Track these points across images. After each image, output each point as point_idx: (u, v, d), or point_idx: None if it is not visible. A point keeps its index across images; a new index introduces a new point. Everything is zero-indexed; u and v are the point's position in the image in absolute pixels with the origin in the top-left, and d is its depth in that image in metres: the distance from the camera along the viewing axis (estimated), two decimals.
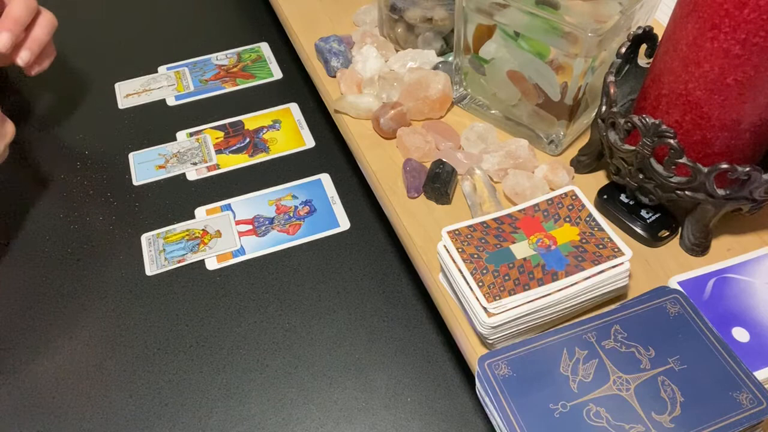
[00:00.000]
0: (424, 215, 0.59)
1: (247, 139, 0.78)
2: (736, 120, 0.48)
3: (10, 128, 0.64)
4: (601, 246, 0.50)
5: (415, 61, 0.70)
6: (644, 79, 0.54)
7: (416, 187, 0.60)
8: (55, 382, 0.57)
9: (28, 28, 0.67)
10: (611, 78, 0.54)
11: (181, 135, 0.78)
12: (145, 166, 0.75)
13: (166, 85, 0.85)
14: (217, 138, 0.78)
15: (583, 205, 0.52)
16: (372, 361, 0.58)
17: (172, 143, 0.77)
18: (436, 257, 0.53)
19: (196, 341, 0.60)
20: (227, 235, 0.68)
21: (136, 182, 0.73)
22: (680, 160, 0.49)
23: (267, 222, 0.69)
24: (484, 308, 0.46)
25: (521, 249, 0.50)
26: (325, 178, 0.73)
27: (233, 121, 0.80)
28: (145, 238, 0.68)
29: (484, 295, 0.47)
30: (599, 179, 0.62)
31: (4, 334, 0.61)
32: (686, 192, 0.51)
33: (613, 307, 0.49)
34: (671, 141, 0.49)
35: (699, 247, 0.55)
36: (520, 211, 0.53)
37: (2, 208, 0.71)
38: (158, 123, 0.80)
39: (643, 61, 0.58)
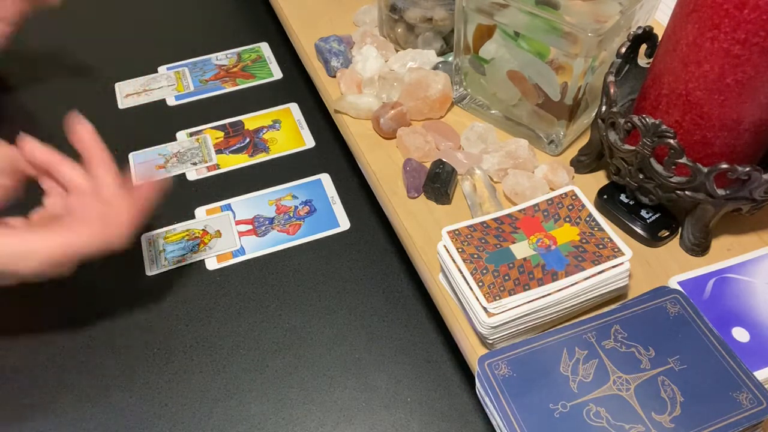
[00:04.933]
0: (424, 215, 0.59)
1: (247, 139, 0.78)
2: (736, 120, 0.48)
3: None
4: (601, 246, 0.50)
5: (415, 61, 0.70)
6: (644, 79, 0.54)
7: (416, 187, 0.60)
8: (56, 382, 0.57)
9: None
10: (611, 78, 0.54)
11: (181, 135, 0.78)
12: (145, 166, 0.75)
13: (166, 85, 0.85)
14: (217, 138, 0.78)
15: (583, 205, 0.52)
16: (372, 361, 0.58)
17: (172, 143, 0.77)
18: (436, 257, 0.53)
19: (196, 341, 0.60)
20: (227, 235, 0.68)
21: (136, 182, 0.73)
22: (680, 160, 0.49)
23: (267, 222, 0.69)
24: (484, 308, 0.46)
25: (521, 249, 0.50)
26: (325, 178, 0.73)
27: (233, 121, 0.80)
28: (145, 238, 0.68)
29: (484, 295, 0.47)
30: (599, 179, 0.62)
31: (4, 334, 0.61)
32: (686, 192, 0.51)
33: (613, 307, 0.49)
34: (671, 141, 0.49)
35: (699, 247, 0.55)
36: (520, 211, 0.53)
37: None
38: (158, 123, 0.80)
39: (643, 61, 0.58)
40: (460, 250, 0.49)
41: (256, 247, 0.67)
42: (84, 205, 0.52)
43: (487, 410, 0.46)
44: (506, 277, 0.48)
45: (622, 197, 0.58)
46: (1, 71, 0.86)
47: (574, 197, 0.53)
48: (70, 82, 0.86)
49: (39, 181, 0.56)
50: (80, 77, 0.86)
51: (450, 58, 0.70)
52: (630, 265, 0.49)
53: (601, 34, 0.52)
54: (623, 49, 0.55)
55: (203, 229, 0.68)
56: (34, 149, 0.54)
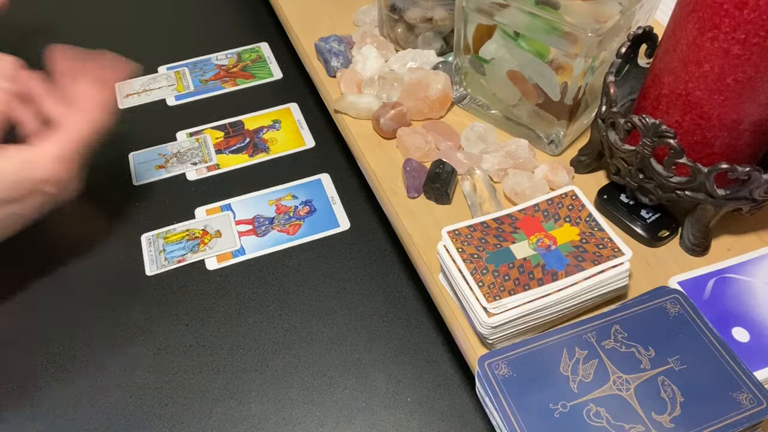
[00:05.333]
0: (424, 215, 0.59)
1: (247, 139, 0.78)
2: (736, 120, 0.48)
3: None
4: (601, 246, 0.50)
5: (415, 61, 0.70)
6: (644, 79, 0.54)
7: (416, 187, 0.60)
8: (56, 382, 0.57)
9: None
10: (611, 78, 0.54)
11: (181, 135, 0.78)
12: (145, 166, 0.75)
13: (166, 85, 0.85)
14: (217, 138, 0.78)
15: (583, 205, 0.52)
16: (372, 361, 0.58)
17: (172, 143, 0.77)
18: (436, 257, 0.53)
19: (196, 341, 0.60)
20: (227, 235, 0.68)
21: (136, 182, 0.73)
22: (680, 160, 0.49)
23: (267, 222, 0.69)
24: (484, 308, 0.46)
25: (521, 249, 0.50)
26: (325, 178, 0.73)
27: (233, 121, 0.80)
28: (145, 238, 0.68)
29: (484, 295, 0.47)
30: (599, 179, 0.62)
31: (4, 334, 0.61)
32: (686, 192, 0.51)
33: (613, 307, 0.49)
34: (671, 141, 0.49)
35: (699, 247, 0.55)
36: (520, 211, 0.53)
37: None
38: (158, 123, 0.80)
39: (643, 61, 0.58)
40: (460, 250, 0.49)
41: (256, 247, 0.67)
42: (66, 110, 0.58)
43: (487, 410, 0.46)
44: (506, 277, 0.48)
45: (622, 197, 0.58)
46: None
47: (574, 197, 0.53)
48: None
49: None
50: None
51: (450, 58, 0.70)
52: (630, 265, 0.49)
53: (601, 34, 0.52)
54: (623, 49, 0.55)
55: (203, 229, 0.68)
56: (30, 81, 0.59)
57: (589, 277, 0.48)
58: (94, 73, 0.61)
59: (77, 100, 0.59)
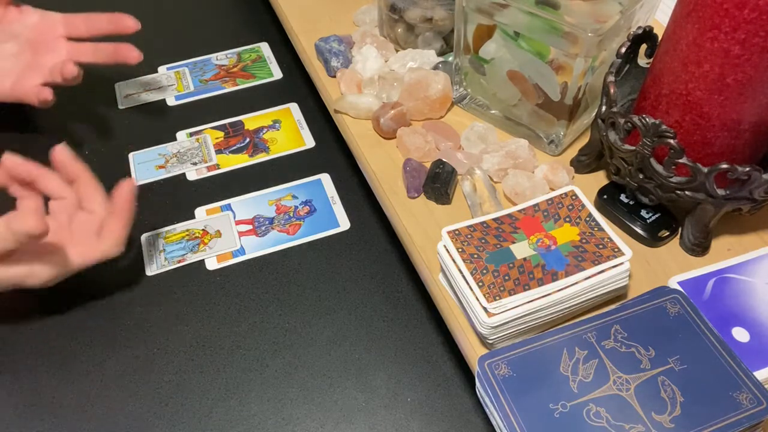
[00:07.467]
0: (424, 215, 0.59)
1: (247, 139, 0.78)
2: (736, 120, 0.48)
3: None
4: (601, 246, 0.50)
5: (415, 61, 0.70)
6: (644, 79, 0.54)
7: (416, 187, 0.60)
8: (56, 382, 0.57)
9: None
10: (611, 78, 0.54)
11: (181, 135, 0.78)
12: (145, 166, 0.75)
13: (166, 85, 0.85)
14: (217, 138, 0.78)
15: (583, 205, 0.52)
16: (372, 361, 0.58)
17: (172, 143, 0.77)
18: (436, 257, 0.53)
19: (196, 341, 0.60)
20: (227, 235, 0.68)
21: (136, 182, 0.73)
22: (680, 160, 0.49)
23: (267, 222, 0.69)
24: (484, 308, 0.46)
25: (521, 249, 0.50)
26: (325, 178, 0.73)
27: (233, 121, 0.80)
28: (145, 238, 0.68)
29: (484, 295, 0.47)
30: (599, 179, 0.62)
31: (4, 333, 0.61)
32: (686, 192, 0.51)
33: (613, 307, 0.49)
34: (671, 141, 0.49)
35: (699, 247, 0.55)
36: (520, 211, 0.53)
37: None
38: (158, 123, 0.80)
39: (643, 61, 0.58)
40: (460, 250, 0.49)
41: (256, 247, 0.67)
42: (81, 223, 0.59)
43: (487, 410, 0.46)
44: (506, 277, 0.48)
45: (622, 197, 0.58)
46: None
47: (574, 197, 0.53)
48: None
49: (8, 190, 0.61)
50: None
51: (450, 58, 0.70)
52: (630, 265, 0.49)
53: (601, 34, 0.52)
54: (623, 49, 0.55)
55: (203, 229, 0.68)
56: (16, 165, 0.59)
57: (589, 277, 0.48)
58: (116, 203, 0.60)
59: (101, 216, 0.59)
